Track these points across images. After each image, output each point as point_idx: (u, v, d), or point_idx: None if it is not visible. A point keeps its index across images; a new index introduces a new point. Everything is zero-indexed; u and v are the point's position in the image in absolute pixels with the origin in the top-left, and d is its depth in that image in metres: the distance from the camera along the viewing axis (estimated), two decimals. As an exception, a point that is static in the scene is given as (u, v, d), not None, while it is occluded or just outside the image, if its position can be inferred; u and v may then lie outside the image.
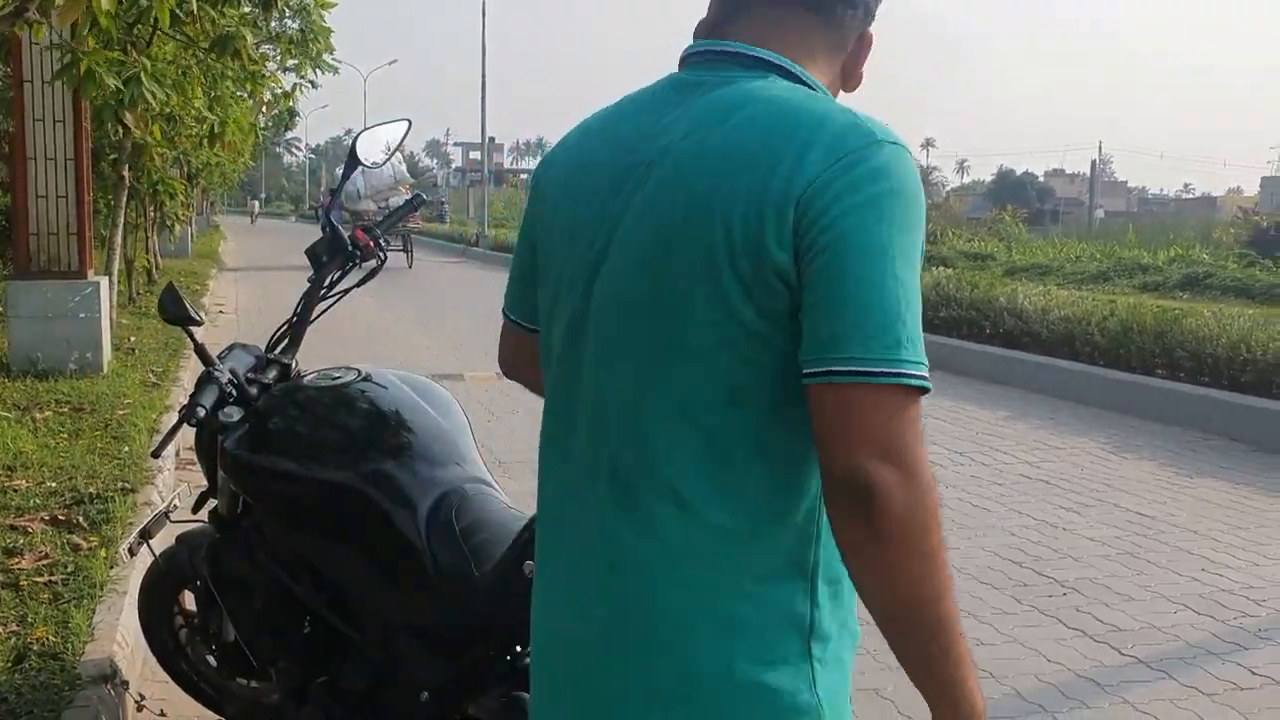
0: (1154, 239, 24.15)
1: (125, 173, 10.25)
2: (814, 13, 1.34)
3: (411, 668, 2.33)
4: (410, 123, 2.95)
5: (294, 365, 2.78)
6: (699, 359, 1.23)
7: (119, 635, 3.43)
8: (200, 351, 2.54)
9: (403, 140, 2.94)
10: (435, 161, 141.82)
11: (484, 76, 33.03)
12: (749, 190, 1.19)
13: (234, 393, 2.46)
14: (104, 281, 8.11)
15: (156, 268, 16.67)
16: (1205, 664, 3.97)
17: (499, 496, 2.43)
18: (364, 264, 2.89)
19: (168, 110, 9.47)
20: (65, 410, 6.64)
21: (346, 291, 2.90)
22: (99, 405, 6.78)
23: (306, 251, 2.85)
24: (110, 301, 9.47)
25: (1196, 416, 7.99)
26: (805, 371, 1.17)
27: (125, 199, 10.21)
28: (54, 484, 5.00)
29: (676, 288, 1.23)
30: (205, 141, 10.88)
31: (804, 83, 1.32)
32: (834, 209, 1.16)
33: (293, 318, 2.81)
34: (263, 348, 2.79)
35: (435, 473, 2.40)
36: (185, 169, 18.16)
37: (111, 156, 10.61)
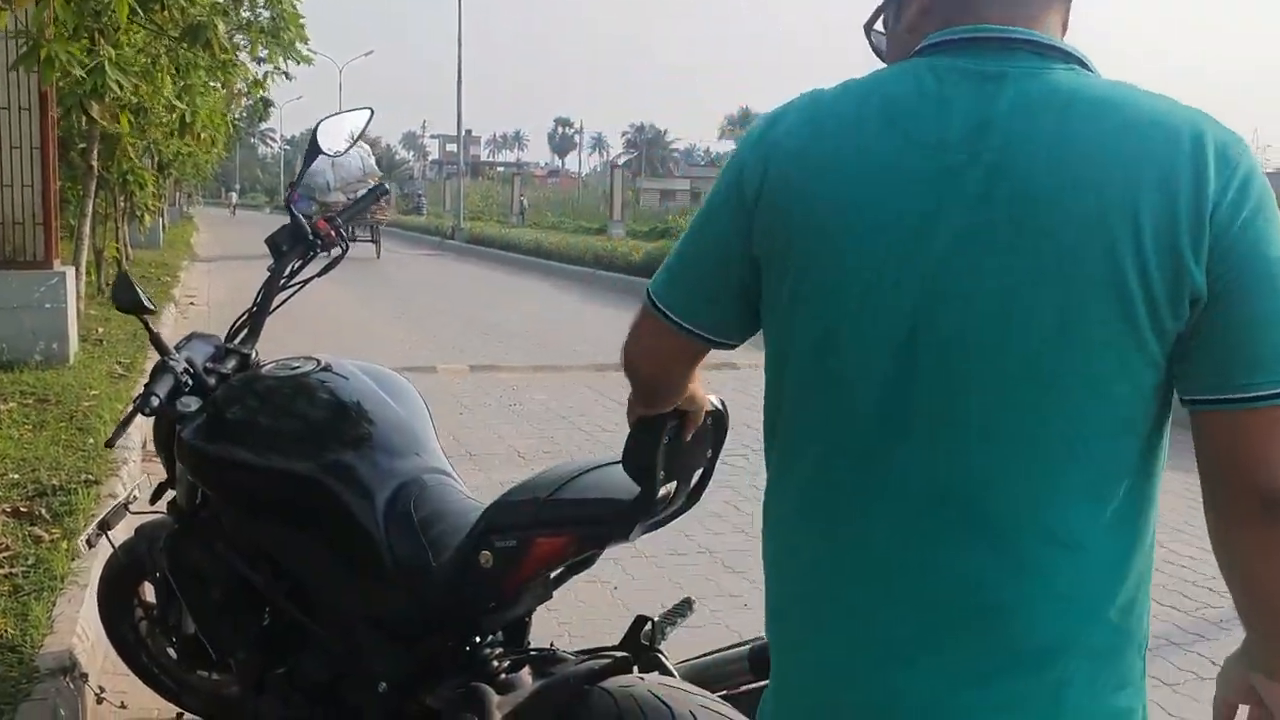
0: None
1: (94, 162, 10.14)
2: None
3: (369, 659, 2.31)
4: (372, 111, 2.92)
5: (254, 355, 2.76)
6: (1094, 385, 1.18)
7: (79, 628, 3.39)
8: (156, 341, 2.52)
9: (365, 128, 2.91)
10: (412, 154, 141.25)
11: (460, 69, 32.90)
12: (1155, 203, 1.14)
13: (189, 382, 2.44)
14: (70, 272, 8.04)
15: (127, 258, 16.53)
16: (1167, 655, 3.99)
17: (458, 487, 2.42)
18: (326, 253, 2.87)
19: (136, 100, 9.39)
20: (30, 401, 6.57)
21: (307, 281, 2.88)
22: (64, 396, 6.72)
23: (267, 240, 2.83)
24: (77, 292, 9.39)
25: (1165, 410, 8.02)
26: (1223, 398, 1.17)
27: (94, 189, 10.11)
28: (16, 475, 4.94)
29: (1071, 306, 1.16)
30: (176, 132, 10.81)
31: (1094, 73, 1.26)
32: (1237, 225, 1.14)
33: (253, 307, 2.79)
34: (222, 338, 2.77)
35: (394, 463, 2.38)
36: (156, 159, 18.03)
37: (81, 146, 10.51)
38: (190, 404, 2.51)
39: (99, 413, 6.28)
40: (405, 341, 11.84)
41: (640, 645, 2.32)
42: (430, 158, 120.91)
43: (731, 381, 7.58)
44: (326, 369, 2.57)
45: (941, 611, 1.24)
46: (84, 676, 3.17)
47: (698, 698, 1.99)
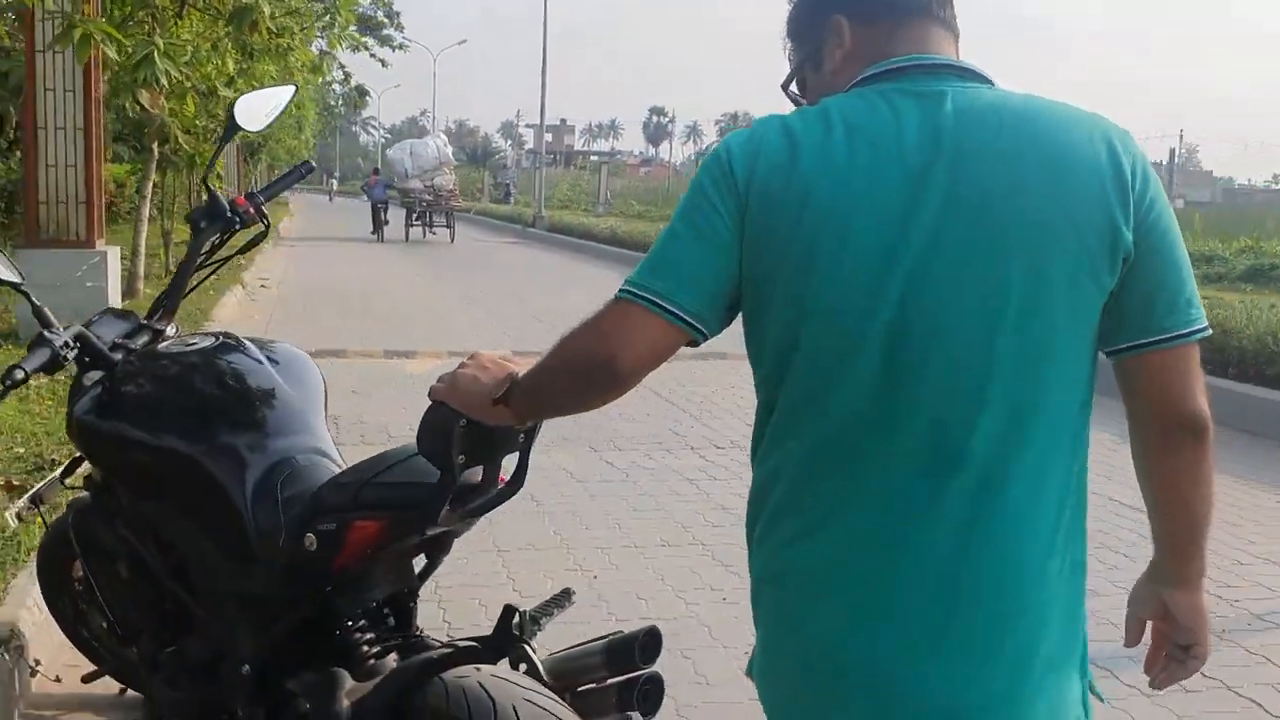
0: (1234, 229, 23.38)
1: (154, 145, 10.38)
2: (953, 32, 1.54)
3: (237, 639, 2.28)
4: (296, 88, 2.90)
5: (169, 331, 2.74)
6: (1060, 347, 1.39)
7: (30, 601, 3.42)
8: (39, 313, 2.49)
9: (286, 106, 2.88)
10: (509, 143, 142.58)
11: (544, 60, 32.98)
12: (1088, 184, 1.38)
13: (67, 356, 2.41)
14: (113, 251, 8.20)
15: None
16: (1119, 669, 3.79)
17: (331, 468, 2.37)
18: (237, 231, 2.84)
19: (190, 85, 9.55)
20: (61, 378, 6.70)
21: (227, 260, 2.86)
22: (94, 373, 6.84)
23: (186, 217, 2.82)
24: (132, 272, 9.62)
25: (1217, 411, 7.72)
26: (1151, 339, 1.42)
27: (153, 171, 10.34)
28: (22, 450, 5.05)
29: (1037, 274, 1.37)
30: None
31: (1000, 87, 1.51)
32: (1149, 197, 1.41)
33: (170, 285, 2.78)
34: (140, 315, 2.76)
35: (270, 442, 2.34)
36: (236, 143, 18.34)
37: (146, 129, 10.75)
38: (94, 378, 2.52)
39: (124, 390, 6.37)
40: (458, 324, 11.89)
41: (511, 636, 2.25)
42: (526, 147, 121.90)
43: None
44: (223, 346, 2.54)
45: (929, 570, 1.39)
46: (20, 649, 3.19)
47: (525, 691, 1.92)
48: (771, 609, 1.51)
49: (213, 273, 2.84)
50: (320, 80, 11.55)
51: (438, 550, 2.26)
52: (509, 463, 2.06)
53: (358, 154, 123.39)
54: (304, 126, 23.09)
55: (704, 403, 7.94)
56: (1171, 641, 1.56)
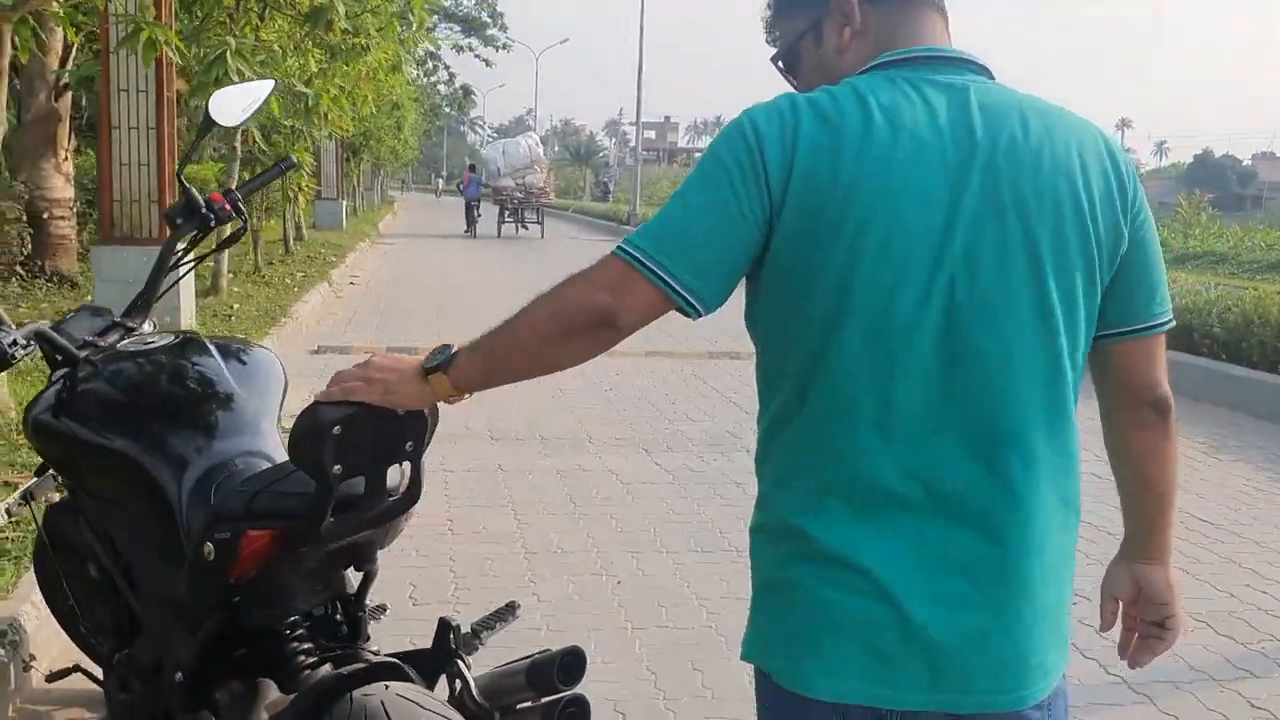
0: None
1: (236, 144, 10.56)
2: (945, 17, 1.57)
3: (171, 644, 2.24)
4: (276, 83, 2.84)
5: (142, 329, 2.71)
6: (1082, 333, 1.49)
7: (36, 596, 3.44)
8: None
9: (265, 101, 2.82)
10: (613, 140, 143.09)
11: (640, 59, 32.95)
12: (1099, 182, 1.47)
13: (16, 355, 2.38)
14: (183, 248, 8.34)
15: (296, 238, 17.16)
16: (1199, 689, 3.57)
17: None
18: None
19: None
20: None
21: (203, 258, 2.82)
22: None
23: (163, 213, 2.79)
24: (217, 268, 9.74)
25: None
26: (1130, 328, 1.54)
27: (237, 170, 10.51)
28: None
29: (1062, 261, 1.44)
30: (319, 116, 11.13)
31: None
32: (1139, 199, 1.52)
33: (146, 283, 2.75)
34: (116, 313, 2.73)
35: (215, 444, 2.29)
36: (336, 142, 18.63)
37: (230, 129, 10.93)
38: (60, 376, 2.50)
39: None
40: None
41: (447, 651, 2.17)
42: (630, 144, 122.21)
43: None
44: (182, 345, 2.50)
45: (1001, 541, 1.45)
46: (15, 644, 3.21)
47: (427, 713, 1.83)
48: (810, 591, 1.46)
49: (189, 270, 2.81)
50: (406, 82, 11.60)
51: (360, 561, 2.17)
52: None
53: (464, 153, 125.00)
54: (403, 126, 23.35)
55: (766, 404, 7.78)
56: (1144, 621, 1.68)
